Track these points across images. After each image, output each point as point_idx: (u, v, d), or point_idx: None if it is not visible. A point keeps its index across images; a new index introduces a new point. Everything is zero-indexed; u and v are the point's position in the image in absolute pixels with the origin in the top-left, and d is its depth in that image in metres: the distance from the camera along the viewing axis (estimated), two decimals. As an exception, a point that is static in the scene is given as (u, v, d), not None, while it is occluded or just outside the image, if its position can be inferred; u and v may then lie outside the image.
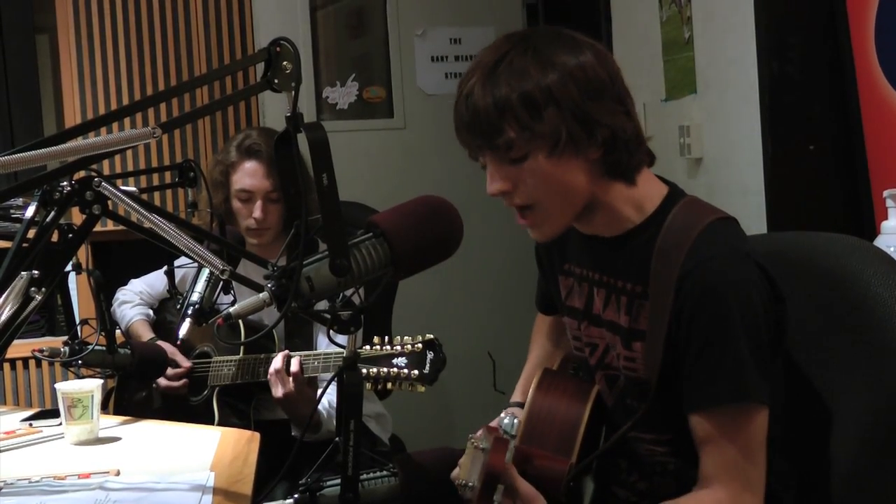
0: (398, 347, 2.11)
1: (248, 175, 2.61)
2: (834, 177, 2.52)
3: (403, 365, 2.08)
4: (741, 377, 1.44)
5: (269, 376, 2.34)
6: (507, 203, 1.56)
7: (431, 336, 2.11)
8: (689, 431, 1.55)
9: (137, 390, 2.75)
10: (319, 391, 2.30)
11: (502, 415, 1.43)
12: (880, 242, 2.04)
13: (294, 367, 2.31)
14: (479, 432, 1.77)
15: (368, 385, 2.10)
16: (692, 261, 1.47)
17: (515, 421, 1.41)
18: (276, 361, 2.33)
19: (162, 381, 2.55)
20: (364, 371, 2.07)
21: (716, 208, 1.56)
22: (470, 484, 1.45)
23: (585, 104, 1.46)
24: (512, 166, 1.50)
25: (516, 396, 1.90)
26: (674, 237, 1.50)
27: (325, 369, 2.37)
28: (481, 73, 1.48)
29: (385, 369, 2.08)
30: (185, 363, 2.58)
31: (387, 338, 2.14)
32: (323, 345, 2.56)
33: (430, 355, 2.08)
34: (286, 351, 2.37)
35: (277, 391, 2.33)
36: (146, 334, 2.75)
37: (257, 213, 2.60)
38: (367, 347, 2.12)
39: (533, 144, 1.47)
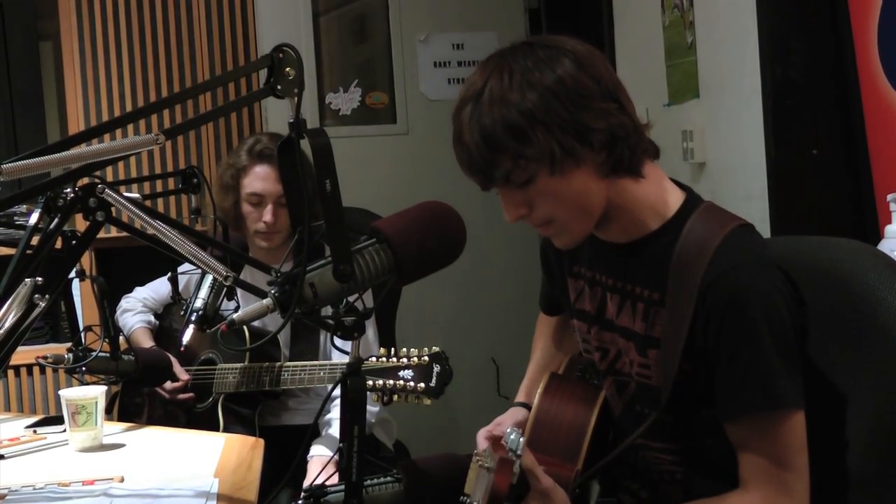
0: (404, 360, 2.10)
1: (260, 179, 2.63)
2: (837, 181, 2.52)
3: (410, 378, 2.08)
4: (773, 385, 1.44)
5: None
6: (529, 223, 1.55)
7: (438, 349, 2.11)
8: (698, 441, 1.54)
9: (141, 397, 2.75)
10: (322, 401, 2.30)
11: (508, 429, 1.42)
12: (884, 246, 2.04)
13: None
14: (480, 434, 1.77)
15: (374, 397, 2.10)
16: (716, 270, 1.46)
17: (521, 440, 1.40)
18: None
19: (167, 396, 2.55)
20: (370, 383, 2.07)
21: (734, 215, 1.56)
22: (475, 502, 1.44)
23: (573, 115, 1.44)
24: (520, 191, 1.50)
25: (520, 397, 1.89)
26: (694, 245, 1.50)
27: (331, 380, 2.37)
28: (466, 107, 1.48)
29: (391, 381, 2.08)
30: (183, 376, 2.57)
31: (393, 349, 2.14)
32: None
33: (436, 368, 2.07)
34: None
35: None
36: (146, 343, 2.75)
37: (268, 216, 2.61)
38: (374, 359, 2.12)
39: (531, 168, 1.46)
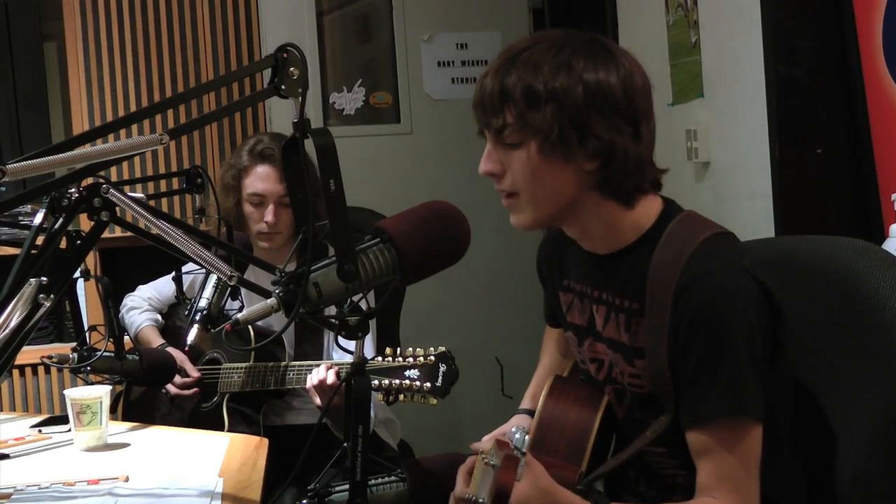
0: (410, 359, 2.11)
1: (261, 179, 2.63)
2: (842, 180, 2.52)
3: (416, 377, 2.08)
4: (737, 393, 1.43)
5: (310, 387, 2.33)
6: (495, 187, 1.57)
7: (444, 349, 2.11)
8: None
9: (146, 396, 2.75)
10: (327, 397, 2.30)
11: (513, 428, 1.42)
12: (889, 246, 2.04)
13: (331, 378, 2.29)
14: (485, 441, 1.76)
15: (380, 396, 2.10)
16: (687, 277, 1.46)
17: (527, 437, 1.40)
18: (320, 373, 2.32)
19: (172, 390, 2.55)
20: (376, 382, 2.07)
21: (713, 223, 1.56)
22: (480, 500, 1.44)
23: (587, 112, 1.46)
24: (505, 151, 1.52)
25: (525, 403, 1.89)
26: (669, 254, 1.50)
27: None
28: (503, 59, 1.52)
29: (397, 381, 2.08)
30: (194, 373, 2.58)
31: (398, 349, 2.14)
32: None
33: (442, 368, 2.08)
34: (330, 362, 2.36)
35: (318, 401, 2.33)
36: (156, 340, 2.76)
37: (269, 217, 2.61)
38: (380, 359, 2.12)
39: (525, 134, 1.49)
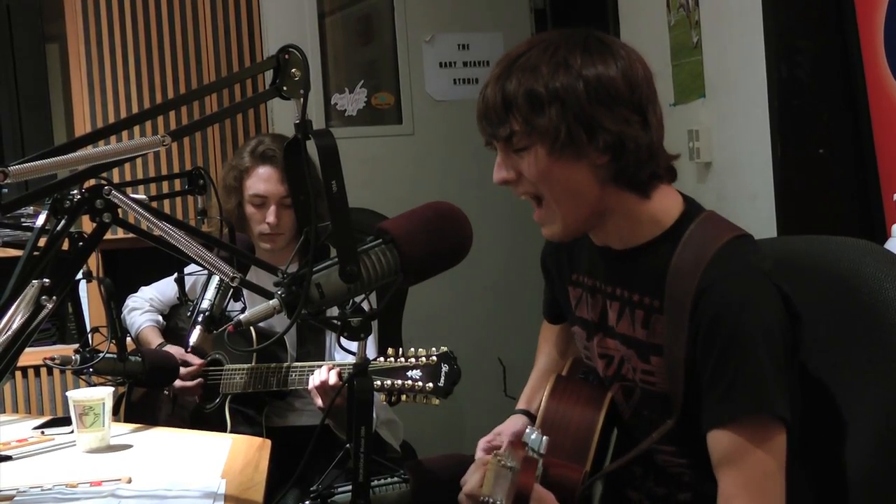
0: (412, 360, 2.11)
1: (263, 180, 2.63)
2: (844, 180, 2.52)
3: (418, 377, 2.08)
4: (759, 391, 1.42)
5: (312, 388, 2.33)
6: (515, 192, 1.58)
7: (446, 349, 2.11)
8: (704, 445, 1.53)
9: (148, 398, 2.75)
10: (328, 399, 2.30)
11: (528, 429, 1.42)
12: (891, 246, 2.03)
13: (333, 379, 2.30)
14: (481, 454, 1.76)
15: (382, 397, 2.11)
16: (708, 279, 1.46)
17: (544, 439, 1.40)
18: (322, 374, 2.32)
19: (177, 382, 2.55)
20: (378, 383, 2.08)
21: (733, 225, 1.56)
22: (497, 502, 1.44)
23: (592, 108, 1.46)
24: (516, 157, 1.53)
25: (521, 405, 1.89)
26: (690, 254, 1.50)
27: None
28: (501, 66, 1.52)
29: (399, 381, 2.08)
30: (196, 361, 2.58)
31: (401, 350, 2.14)
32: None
33: (444, 368, 2.08)
34: (331, 363, 2.37)
35: (320, 402, 2.33)
36: (155, 340, 2.76)
37: (271, 218, 2.61)
38: (382, 359, 2.12)
39: (533, 139, 1.49)
